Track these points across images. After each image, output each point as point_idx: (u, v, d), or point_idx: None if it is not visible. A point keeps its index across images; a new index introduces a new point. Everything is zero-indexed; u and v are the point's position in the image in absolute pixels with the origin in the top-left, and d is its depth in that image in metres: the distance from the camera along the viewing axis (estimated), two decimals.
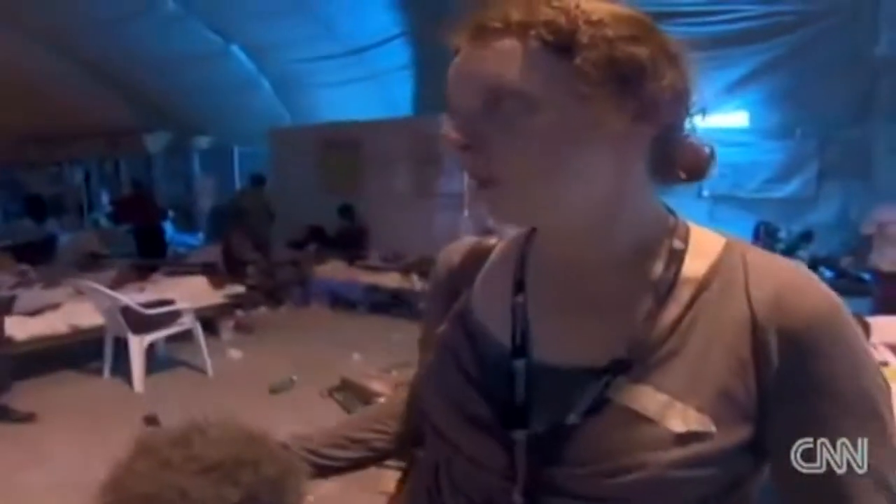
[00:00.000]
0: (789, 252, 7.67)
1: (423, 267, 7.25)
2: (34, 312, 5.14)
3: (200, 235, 11.44)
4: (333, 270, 7.81)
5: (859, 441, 0.61)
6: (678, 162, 0.70)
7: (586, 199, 0.66)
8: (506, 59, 0.62)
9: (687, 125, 0.69)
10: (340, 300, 7.49)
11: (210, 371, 5.21)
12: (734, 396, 0.63)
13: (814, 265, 7.74)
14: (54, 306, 5.30)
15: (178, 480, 0.67)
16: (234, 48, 10.02)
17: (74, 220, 12.14)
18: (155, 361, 5.22)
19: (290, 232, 8.96)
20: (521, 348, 0.72)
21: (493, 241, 0.86)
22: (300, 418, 3.81)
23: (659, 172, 0.70)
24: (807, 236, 7.89)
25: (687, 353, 0.64)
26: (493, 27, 0.63)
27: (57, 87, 10.33)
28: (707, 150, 0.71)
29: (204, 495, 0.67)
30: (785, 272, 0.66)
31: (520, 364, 0.71)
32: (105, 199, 13.36)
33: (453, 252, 0.89)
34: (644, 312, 0.67)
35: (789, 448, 0.63)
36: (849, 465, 0.62)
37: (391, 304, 7.17)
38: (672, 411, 0.62)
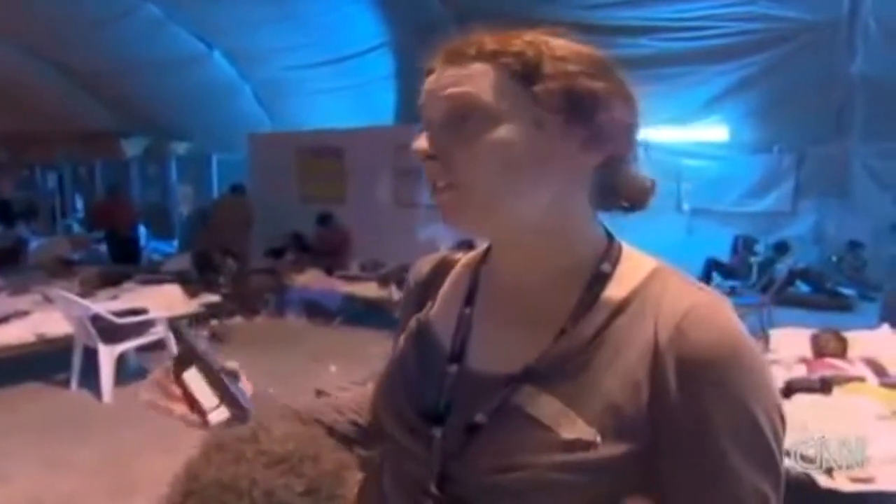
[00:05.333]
0: (767, 265, 7.73)
1: (400, 276, 7.19)
2: (0, 320, 5.01)
3: (176, 243, 11.29)
4: (311, 279, 7.72)
5: (745, 475, 0.64)
6: (622, 191, 0.77)
7: (533, 213, 0.72)
8: (476, 78, 0.69)
9: (632, 158, 0.76)
10: (317, 310, 7.39)
11: None
12: (622, 413, 0.66)
13: (791, 279, 7.82)
14: (21, 314, 5.17)
15: (250, 472, 0.75)
16: (217, 54, 9.94)
17: (46, 225, 11.92)
18: (125, 372, 5.08)
19: (268, 240, 8.86)
20: (457, 355, 0.79)
21: (459, 254, 0.93)
22: None
23: (601, 199, 0.77)
24: (782, 248, 7.93)
25: (591, 370, 0.69)
26: (467, 52, 0.71)
27: (31, 89, 10.16)
28: (649, 182, 0.79)
29: (273, 485, 0.75)
30: (695, 302, 0.68)
31: (452, 369, 0.78)
32: (79, 204, 13.16)
33: (423, 264, 0.95)
34: (561, 329, 0.72)
35: (675, 476, 0.66)
36: (732, 497, 0.65)
37: (368, 314, 7.09)
38: (565, 419, 0.67)
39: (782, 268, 7.51)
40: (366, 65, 9.72)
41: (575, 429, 0.66)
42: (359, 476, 0.86)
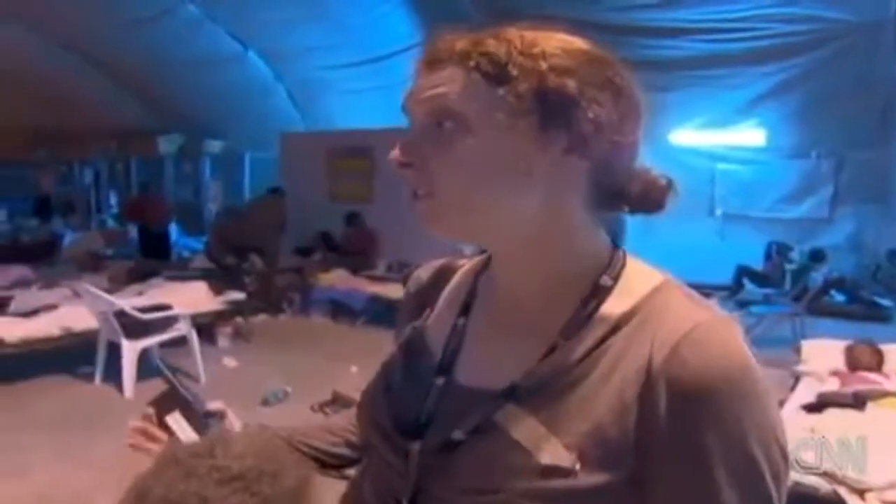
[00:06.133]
0: (802, 273, 7.49)
1: None
2: (29, 314, 5.10)
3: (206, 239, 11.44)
4: (336, 279, 7.72)
5: None
6: (626, 193, 0.71)
7: (513, 223, 0.69)
8: (449, 82, 0.66)
9: (630, 159, 0.71)
10: (342, 310, 7.38)
11: (203, 378, 5.13)
12: (607, 438, 0.62)
13: (826, 288, 7.57)
14: (50, 307, 5.25)
15: (200, 489, 0.71)
16: (252, 54, 10.03)
17: (82, 221, 12.16)
18: (148, 367, 5.14)
19: (296, 239, 8.89)
20: (446, 367, 0.76)
21: (462, 261, 0.89)
22: None
23: (602, 203, 0.71)
24: (818, 256, 7.67)
25: (578, 390, 0.65)
26: (441, 56, 0.68)
27: (71, 87, 10.41)
28: (663, 180, 0.72)
29: None
30: (697, 323, 0.63)
31: (440, 381, 0.75)
32: (113, 199, 13.41)
33: (423, 271, 0.92)
34: (552, 345, 0.68)
35: None
36: None
37: (392, 315, 7.05)
38: (545, 443, 0.63)
39: (817, 276, 7.27)
40: (399, 65, 9.69)
41: (554, 454, 0.62)
42: (320, 494, 0.82)
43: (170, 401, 1.00)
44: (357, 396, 3.18)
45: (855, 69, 7.50)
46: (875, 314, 7.32)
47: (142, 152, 12.02)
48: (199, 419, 0.97)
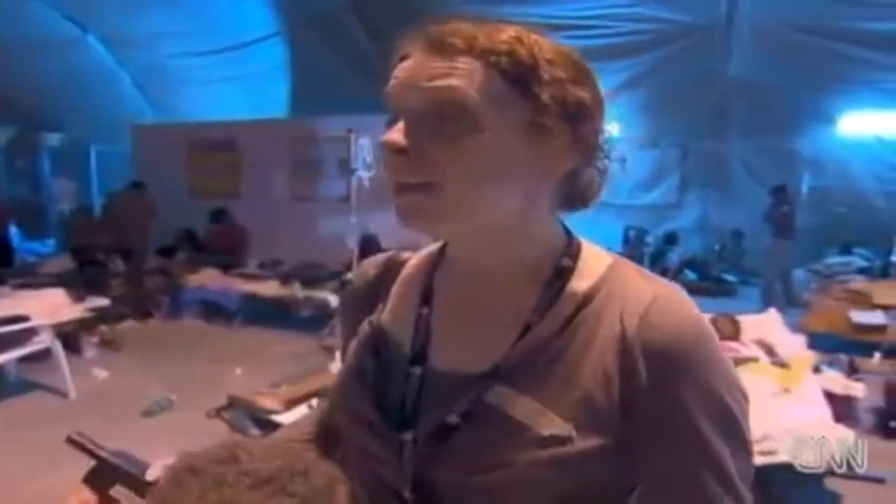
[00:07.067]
0: (659, 255, 8.15)
1: (304, 273, 6.99)
2: None
3: (52, 242, 10.43)
4: (207, 279, 7.35)
5: (722, 453, 0.66)
6: (582, 194, 0.76)
7: (502, 212, 0.71)
8: (464, 74, 0.66)
9: (598, 163, 0.75)
10: (215, 311, 7.05)
11: (73, 393, 4.72)
12: (596, 405, 0.67)
13: (681, 268, 8.29)
14: None
15: (234, 496, 0.67)
16: (91, 38, 9.25)
17: None
18: (6, 386, 4.65)
19: (158, 238, 8.34)
20: (419, 356, 0.77)
21: (406, 255, 0.90)
22: (183, 442, 3.50)
23: (563, 201, 0.76)
24: (671, 238, 8.37)
25: (561, 364, 0.69)
26: (455, 44, 0.67)
27: None
28: (597, 185, 0.78)
29: None
30: (657, 293, 0.70)
31: (416, 370, 0.76)
32: None
33: (369, 266, 0.93)
34: (526, 324, 0.72)
35: (653, 462, 0.67)
36: (715, 475, 0.66)
37: (268, 313, 6.84)
38: (540, 416, 0.67)
39: (673, 256, 7.93)
40: (255, 55, 9.39)
41: (551, 425, 0.66)
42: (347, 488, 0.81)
43: (104, 474, 0.90)
44: (252, 398, 3.07)
45: (693, 67, 8.20)
46: (722, 289, 8.12)
47: None
48: (142, 485, 0.88)
